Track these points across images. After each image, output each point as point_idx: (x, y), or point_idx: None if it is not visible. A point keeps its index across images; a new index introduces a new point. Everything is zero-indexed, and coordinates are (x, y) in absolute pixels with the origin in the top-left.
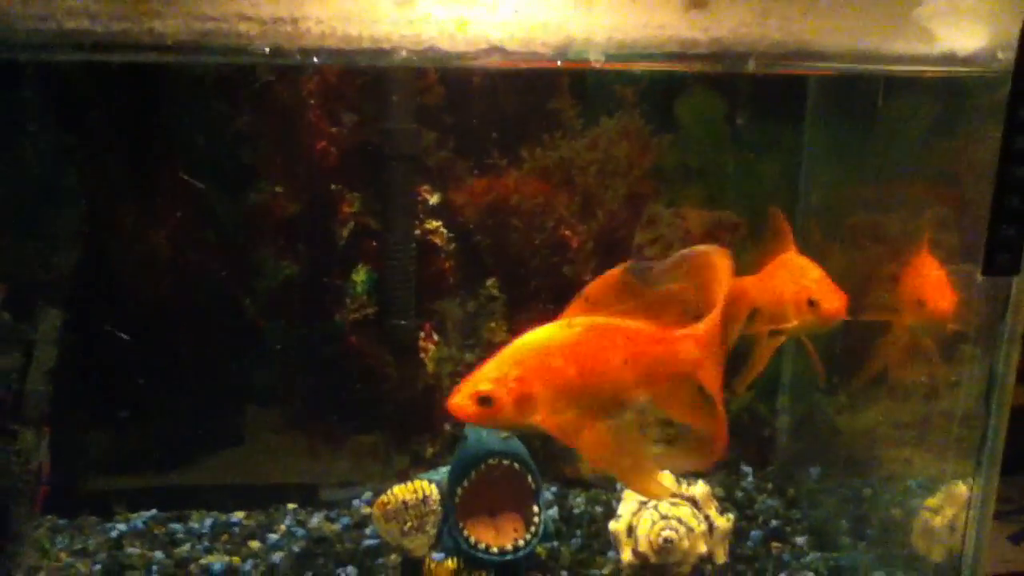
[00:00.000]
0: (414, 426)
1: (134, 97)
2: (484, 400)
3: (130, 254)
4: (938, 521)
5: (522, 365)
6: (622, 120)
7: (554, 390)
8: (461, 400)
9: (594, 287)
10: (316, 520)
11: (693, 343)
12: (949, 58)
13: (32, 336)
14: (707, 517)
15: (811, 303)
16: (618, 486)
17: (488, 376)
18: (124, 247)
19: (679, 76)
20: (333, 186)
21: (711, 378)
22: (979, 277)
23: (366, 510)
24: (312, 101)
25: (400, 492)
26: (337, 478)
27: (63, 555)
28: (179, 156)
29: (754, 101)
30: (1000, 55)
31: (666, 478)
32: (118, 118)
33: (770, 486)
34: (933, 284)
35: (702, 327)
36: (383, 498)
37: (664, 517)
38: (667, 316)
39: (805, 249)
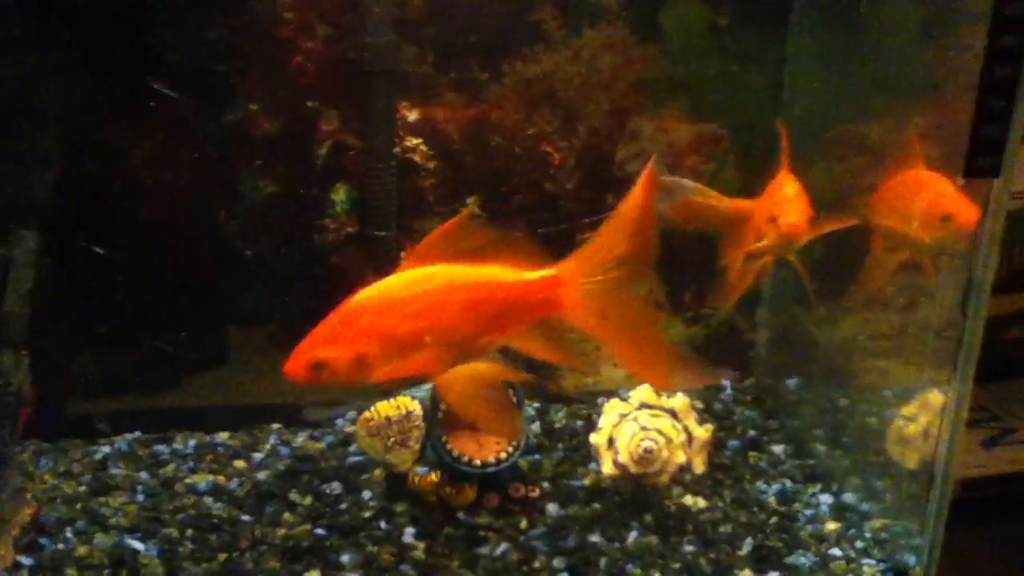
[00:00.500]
0: None
1: (108, 11)
2: (317, 366)
3: (107, 174)
4: (912, 429)
5: (353, 326)
6: (605, 31)
7: (389, 348)
8: (294, 366)
9: (429, 239)
10: (301, 439)
11: (550, 284)
12: None
13: (8, 256)
14: (686, 428)
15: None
16: (599, 400)
17: (319, 340)
18: (100, 166)
19: None
20: (310, 103)
21: (583, 317)
22: (960, 181)
23: (349, 428)
24: (287, 15)
25: (383, 408)
26: (320, 398)
27: (48, 477)
28: (154, 72)
29: (738, 9)
30: None
31: (644, 389)
32: (93, 33)
33: (748, 398)
34: (952, 198)
35: (562, 267)
36: (366, 414)
37: (644, 428)
38: (522, 259)
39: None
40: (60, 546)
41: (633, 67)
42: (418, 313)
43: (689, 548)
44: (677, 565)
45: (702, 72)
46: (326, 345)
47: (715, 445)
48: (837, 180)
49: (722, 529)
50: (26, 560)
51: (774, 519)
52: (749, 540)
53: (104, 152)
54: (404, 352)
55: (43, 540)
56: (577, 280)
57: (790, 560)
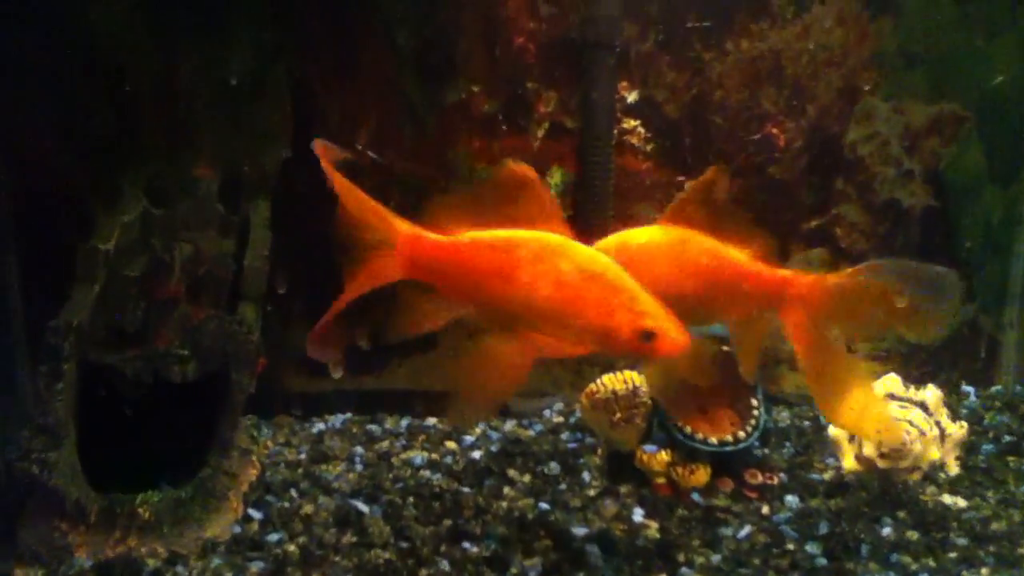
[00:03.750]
0: None
1: None
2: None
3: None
4: None
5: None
6: (837, 4)
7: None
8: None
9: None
10: (509, 426)
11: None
12: None
13: (247, 219)
14: (938, 423)
15: None
16: None
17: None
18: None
19: None
20: (530, 84)
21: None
22: None
23: (557, 419)
24: None
25: (609, 381)
26: (528, 388)
27: (269, 443)
28: (383, 51)
29: None
30: None
31: (890, 379)
32: (324, 12)
33: (998, 403)
34: None
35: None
36: (591, 387)
37: (893, 420)
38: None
39: None
40: (286, 504)
41: (866, 43)
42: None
43: (961, 541)
44: (952, 555)
45: (943, 46)
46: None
47: (966, 448)
48: None
49: (994, 527)
50: (256, 514)
51: None
52: None
53: (329, 128)
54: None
55: (270, 498)
56: (809, 294)
57: None
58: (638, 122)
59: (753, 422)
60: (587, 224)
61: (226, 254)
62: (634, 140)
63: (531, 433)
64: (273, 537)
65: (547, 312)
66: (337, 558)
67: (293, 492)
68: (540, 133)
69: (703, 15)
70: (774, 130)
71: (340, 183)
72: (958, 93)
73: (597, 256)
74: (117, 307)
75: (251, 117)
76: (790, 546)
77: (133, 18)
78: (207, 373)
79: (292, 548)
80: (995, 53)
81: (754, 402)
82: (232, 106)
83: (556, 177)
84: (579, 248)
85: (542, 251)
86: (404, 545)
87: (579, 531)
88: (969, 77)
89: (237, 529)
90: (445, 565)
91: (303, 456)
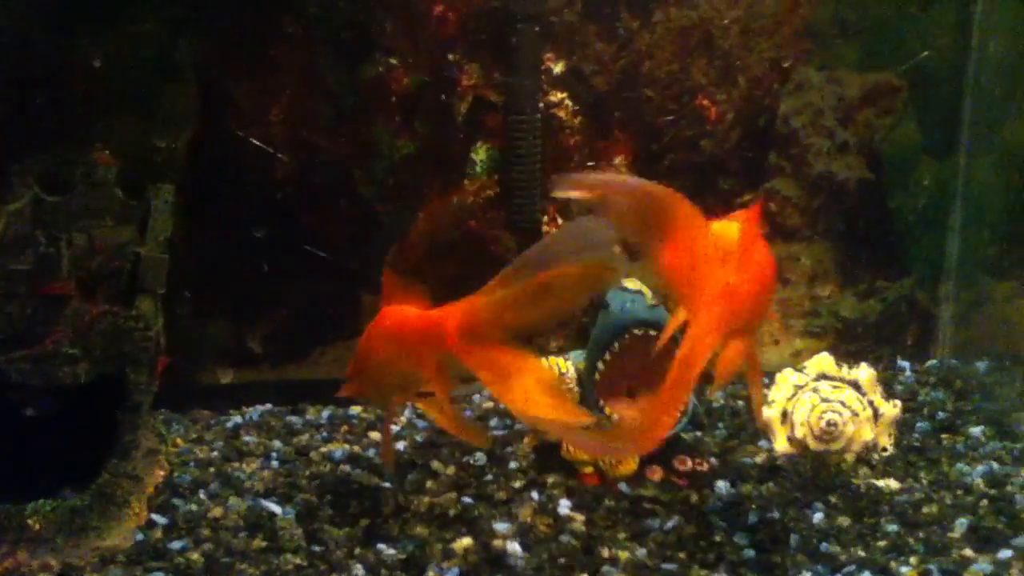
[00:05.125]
0: None
1: None
2: None
3: (244, 132)
4: None
5: None
6: None
7: None
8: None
9: None
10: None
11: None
12: None
13: (147, 206)
14: (871, 402)
15: None
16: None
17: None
18: (238, 125)
19: None
20: (451, 56)
21: (476, 361)
22: None
23: (487, 404)
24: None
25: None
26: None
27: (179, 441)
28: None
29: None
30: None
31: (822, 358)
32: None
33: (933, 379)
34: None
35: (457, 307)
36: None
37: (825, 400)
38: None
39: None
40: (193, 507)
41: (799, 11)
42: None
43: (891, 528)
44: (882, 543)
45: (877, 15)
46: None
47: (901, 426)
48: None
49: (926, 510)
50: (160, 519)
51: (985, 501)
52: (962, 521)
53: (241, 110)
54: None
55: (176, 501)
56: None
57: (1018, 542)
58: (565, 94)
59: (682, 407)
60: (515, 202)
61: (124, 244)
62: (561, 114)
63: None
64: (177, 545)
65: None
66: (244, 565)
67: (202, 494)
68: (464, 108)
69: None
70: (705, 102)
71: None
72: (892, 63)
73: None
74: (3, 304)
75: (154, 98)
76: (718, 538)
77: None
78: (102, 374)
79: (196, 556)
80: (930, 22)
81: None
82: (133, 87)
83: (482, 154)
84: None
85: None
86: (317, 549)
87: (501, 527)
88: (903, 47)
89: (140, 536)
90: (359, 570)
91: (215, 454)
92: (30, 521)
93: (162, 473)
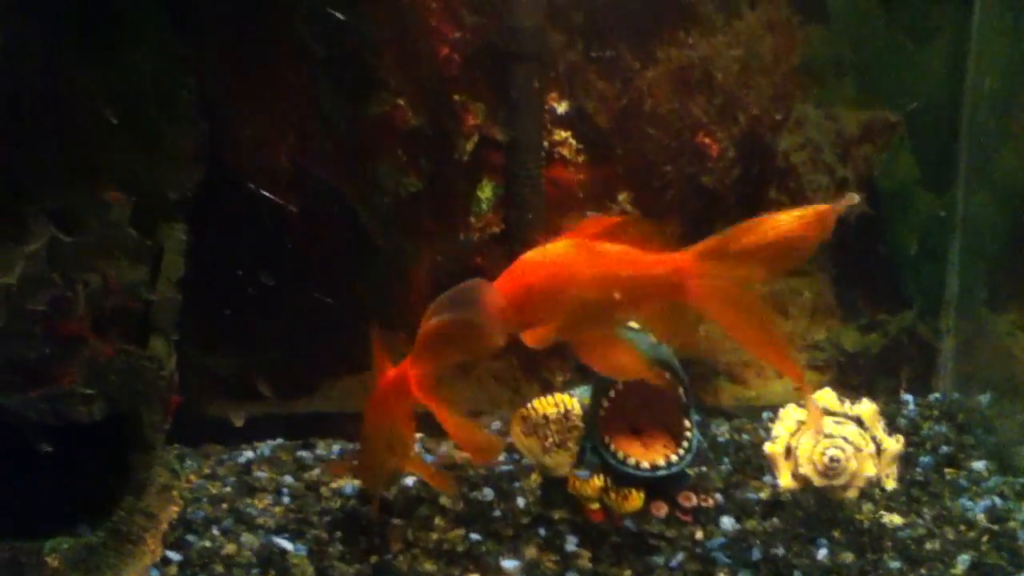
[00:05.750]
0: (544, 352)
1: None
2: None
3: (252, 169)
4: None
5: None
6: (767, 11)
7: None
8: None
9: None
10: (445, 447)
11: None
12: None
13: (160, 246)
14: (874, 438)
15: None
16: (764, 416)
17: None
18: (246, 162)
19: None
20: (456, 96)
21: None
22: None
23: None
24: (433, 3)
25: (540, 405)
26: (465, 407)
27: (192, 477)
28: (299, 65)
29: None
30: None
31: (824, 394)
32: (235, 26)
33: (936, 412)
34: None
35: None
36: (522, 411)
37: (828, 436)
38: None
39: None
40: (207, 544)
41: (797, 50)
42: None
43: (894, 564)
44: None
45: (873, 52)
46: None
47: (904, 461)
48: None
49: (928, 546)
50: (174, 555)
51: (987, 537)
52: (964, 557)
53: (248, 147)
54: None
55: (190, 537)
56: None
57: None
58: (568, 133)
59: (686, 444)
60: (517, 238)
61: (137, 284)
62: (565, 151)
63: (466, 455)
64: None
65: None
66: None
67: (215, 530)
68: (469, 147)
69: (615, 38)
70: (706, 139)
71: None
72: (889, 99)
73: None
74: (20, 344)
75: (163, 136)
76: (722, 574)
77: (28, 36)
78: (116, 413)
79: None
80: (925, 58)
81: (687, 423)
82: (142, 125)
83: (487, 191)
84: None
85: None
86: None
87: (508, 564)
88: (899, 83)
89: (155, 573)
90: None
91: (228, 489)
92: (48, 559)
93: (176, 509)
